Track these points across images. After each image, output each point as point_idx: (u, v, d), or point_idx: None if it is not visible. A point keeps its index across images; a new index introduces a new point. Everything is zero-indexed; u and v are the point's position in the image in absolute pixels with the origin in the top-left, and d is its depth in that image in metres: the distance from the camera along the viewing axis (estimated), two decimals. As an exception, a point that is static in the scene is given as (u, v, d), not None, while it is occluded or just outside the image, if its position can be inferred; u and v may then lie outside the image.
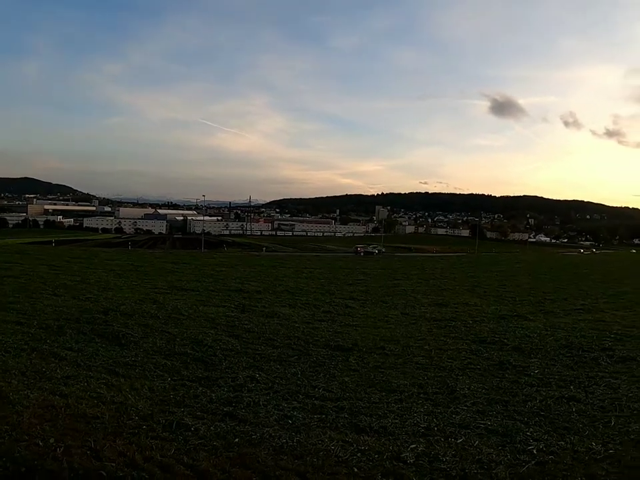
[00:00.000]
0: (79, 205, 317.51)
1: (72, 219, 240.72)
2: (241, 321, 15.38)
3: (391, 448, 6.46)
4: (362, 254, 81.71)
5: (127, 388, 8.44)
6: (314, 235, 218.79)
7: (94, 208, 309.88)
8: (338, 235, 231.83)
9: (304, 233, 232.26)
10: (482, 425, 7.40)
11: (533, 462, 6.19)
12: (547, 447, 6.67)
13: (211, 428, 6.81)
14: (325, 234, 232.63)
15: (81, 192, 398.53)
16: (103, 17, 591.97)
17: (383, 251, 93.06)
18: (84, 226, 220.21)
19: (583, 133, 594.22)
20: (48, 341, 11.47)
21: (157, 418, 7.08)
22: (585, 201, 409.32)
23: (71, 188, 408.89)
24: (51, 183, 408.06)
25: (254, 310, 17.80)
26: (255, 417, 7.37)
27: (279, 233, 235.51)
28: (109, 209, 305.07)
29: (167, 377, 9.39)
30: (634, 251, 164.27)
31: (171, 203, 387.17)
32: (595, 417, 7.96)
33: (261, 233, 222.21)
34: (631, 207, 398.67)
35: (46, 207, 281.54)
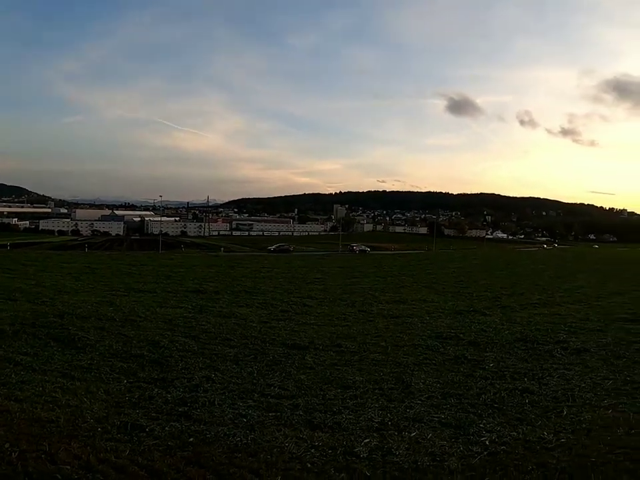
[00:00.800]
0: (34, 207, 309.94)
1: (27, 222, 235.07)
2: (198, 322, 15.37)
3: (344, 443, 6.56)
4: (357, 252, 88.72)
5: (83, 391, 8.38)
6: (272, 235, 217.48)
7: (49, 210, 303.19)
8: (296, 234, 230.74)
9: (262, 233, 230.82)
10: (436, 419, 7.54)
11: (485, 453, 6.34)
12: (499, 437, 6.85)
13: (166, 428, 6.81)
14: (283, 233, 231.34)
15: (36, 193, 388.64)
16: (57, 12, 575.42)
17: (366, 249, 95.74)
18: (40, 228, 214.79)
19: (538, 131, 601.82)
20: (3, 346, 11.30)
21: (112, 420, 7.05)
22: (542, 197, 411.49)
23: (25, 189, 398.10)
24: (5, 185, 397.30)
25: (211, 310, 17.79)
26: (210, 417, 7.40)
27: (237, 232, 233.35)
28: (65, 211, 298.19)
29: (122, 379, 9.34)
30: (596, 246, 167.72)
31: (128, 203, 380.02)
32: (548, 407, 8.19)
33: (219, 233, 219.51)
34: (586, 203, 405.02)
35: (0, 209, 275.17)
